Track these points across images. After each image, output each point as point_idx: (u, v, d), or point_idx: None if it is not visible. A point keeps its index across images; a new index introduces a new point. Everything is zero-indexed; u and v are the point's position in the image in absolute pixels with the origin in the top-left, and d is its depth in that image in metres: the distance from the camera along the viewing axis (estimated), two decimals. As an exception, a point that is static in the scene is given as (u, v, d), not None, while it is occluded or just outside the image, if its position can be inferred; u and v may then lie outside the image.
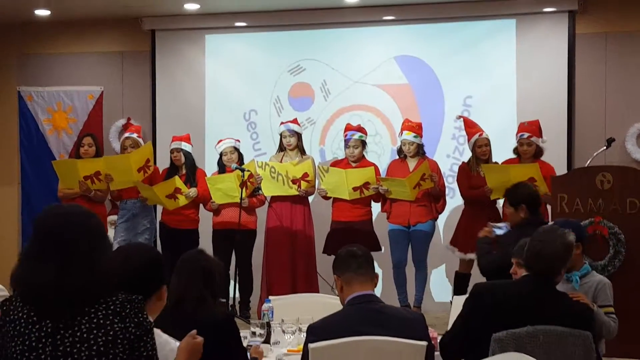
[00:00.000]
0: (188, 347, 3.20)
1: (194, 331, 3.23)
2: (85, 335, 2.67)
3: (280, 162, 8.67)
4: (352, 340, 3.79)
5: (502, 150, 8.57)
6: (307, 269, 8.62)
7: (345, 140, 8.62)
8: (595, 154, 8.02)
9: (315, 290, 8.34)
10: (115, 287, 2.76)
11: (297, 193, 8.53)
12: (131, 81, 10.57)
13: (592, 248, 6.64)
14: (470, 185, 8.34)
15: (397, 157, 8.70)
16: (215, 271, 4.22)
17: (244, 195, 8.28)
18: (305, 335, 3.98)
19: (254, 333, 4.76)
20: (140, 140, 8.84)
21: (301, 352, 4.00)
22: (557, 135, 9.04)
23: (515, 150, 8.30)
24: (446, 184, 8.90)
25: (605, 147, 8.19)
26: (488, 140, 8.42)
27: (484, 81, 9.55)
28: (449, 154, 9.61)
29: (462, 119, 8.80)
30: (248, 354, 4.29)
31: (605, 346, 4.97)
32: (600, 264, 6.67)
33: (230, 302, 8.33)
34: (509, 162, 8.33)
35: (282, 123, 8.90)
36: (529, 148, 8.16)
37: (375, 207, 8.68)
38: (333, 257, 4.21)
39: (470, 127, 8.56)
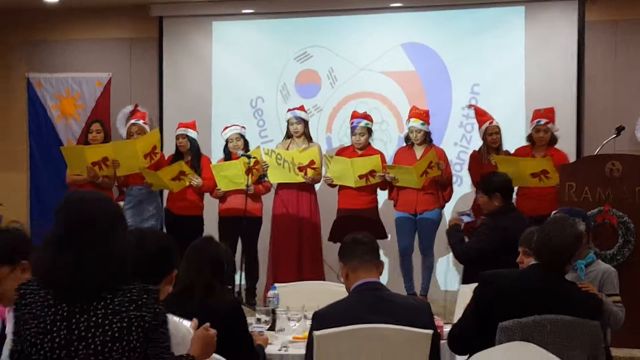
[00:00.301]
0: (203, 338, 3.20)
1: (208, 324, 3.22)
2: (100, 320, 2.68)
3: (287, 149, 8.65)
4: (358, 327, 3.79)
5: (510, 137, 8.55)
6: (313, 257, 8.61)
7: (351, 128, 8.60)
8: (604, 142, 7.98)
9: (321, 277, 8.34)
10: (131, 273, 2.79)
11: (303, 180, 8.51)
12: (139, 68, 10.56)
13: (601, 237, 6.63)
14: (482, 174, 8.30)
15: (404, 144, 8.68)
16: (224, 259, 4.24)
17: (249, 182, 8.27)
18: (310, 323, 3.98)
19: (259, 320, 4.77)
20: (147, 127, 8.83)
21: (306, 340, 4.00)
22: (567, 124, 8.98)
23: (529, 138, 8.26)
24: (453, 172, 8.89)
25: (614, 136, 8.16)
26: (499, 128, 8.39)
27: (492, 68, 9.49)
28: (456, 141, 9.57)
29: (472, 107, 8.77)
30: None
31: (610, 336, 4.95)
32: (609, 253, 6.65)
33: (236, 289, 8.33)
34: (521, 149, 8.31)
35: (289, 110, 8.90)
36: (545, 135, 8.13)
37: (382, 195, 8.66)
38: (339, 244, 4.20)
39: (481, 115, 8.54)
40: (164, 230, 8.78)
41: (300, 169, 8.50)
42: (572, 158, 8.56)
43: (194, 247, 4.28)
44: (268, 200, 8.76)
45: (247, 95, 10.15)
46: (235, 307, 4.14)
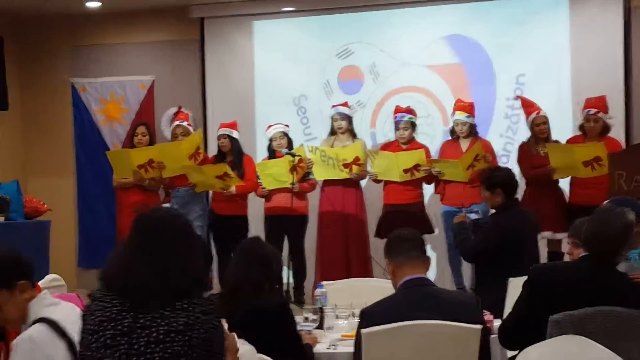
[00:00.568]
0: (230, 347, 3.23)
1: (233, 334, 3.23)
2: (162, 336, 2.72)
3: (331, 146, 8.64)
4: (405, 324, 3.76)
5: (557, 127, 8.45)
6: (360, 253, 8.59)
7: (395, 123, 8.57)
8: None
9: (369, 274, 8.30)
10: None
11: (348, 177, 8.49)
12: (181, 69, 10.60)
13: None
14: (532, 165, 8.21)
15: (450, 138, 8.62)
16: (272, 259, 4.23)
17: (294, 180, 8.26)
18: (358, 320, 3.96)
19: (306, 318, 4.75)
20: (191, 128, 8.86)
21: (354, 338, 3.97)
22: (615, 112, 8.79)
23: (582, 127, 8.15)
24: (500, 163, 8.78)
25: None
26: (546, 118, 8.28)
27: (537, 58, 9.38)
28: (502, 133, 9.47)
29: (519, 98, 8.68)
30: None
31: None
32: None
33: (284, 287, 8.32)
34: (574, 139, 8.22)
35: (332, 106, 8.88)
36: (595, 124, 8.01)
37: (428, 189, 8.61)
38: (386, 240, 4.16)
39: (528, 106, 8.45)
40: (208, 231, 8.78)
41: (345, 165, 8.48)
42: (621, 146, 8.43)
43: (241, 249, 4.29)
44: (314, 197, 8.75)
45: (290, 94, 10.15)
46: (283, 307, 4.14)
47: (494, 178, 6.23)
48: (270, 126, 8.72)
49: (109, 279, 2.82)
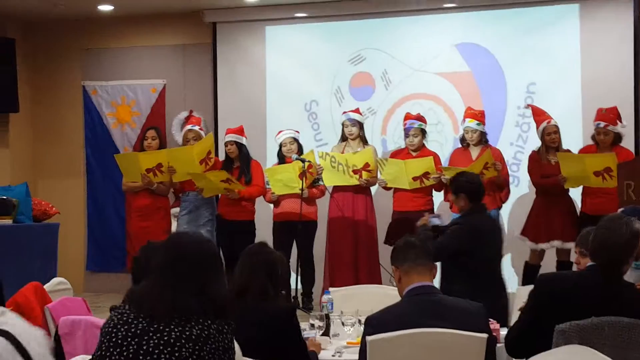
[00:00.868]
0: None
1: None
2: (180, 327, 2.79)
3: (342, 152, 8.63)
4: (411, 332, 3.74)
5: (568, 136, 8.43)
6: (370, 260, 8.58)
7: (405, 130, 8.57)
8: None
9: (378, 281, 8.26)
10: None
11: (358, 183, 8.48)
12: (193, 74, 10.62)
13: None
14: (542, 174, 8.19)
15: (460, 145, 8.60)
16: (278, 264, 4.22)
17: (303, 186, 8.25)
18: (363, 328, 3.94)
19: (312, 325, 4.73)
20: (202, 132, 8.86)
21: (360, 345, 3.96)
22: (624, 121, 8.80)
23: (594, 137, 8.13)
24: (510, 172, 8.78)
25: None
26: (557, 127, 8.27)
27: (548, 67, 9.37)
28: (512, 141, 9.45)
29: (530, 107, 8.67)
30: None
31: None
32: (670, 252, 6.48)
33: (293, 293, 8.32)
34: (586, 149, 8.21)
35: (343, 112, 8.88)
36: (605, 137, 8.00)
37: (438, 197, 8.58)
38: (395, 247, 4.16)
39: (538, 114, 8.43)
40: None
41: (355, 171, 8.47)
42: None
43: (247, 253, 4.28)
44: (323, 203, 8.74)
45: (302, 99, 10.15)
46: (288, 313, 4.12)
47: (457, 182, 6.24)
48: (280, 131, 8.73)
49: (136, 301, 2.89)
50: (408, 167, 8.22)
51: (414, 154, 8.47)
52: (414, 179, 8.22)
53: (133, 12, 10.42)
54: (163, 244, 3.02)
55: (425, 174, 8.23)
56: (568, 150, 8.28)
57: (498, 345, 4.12)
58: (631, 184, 6.71)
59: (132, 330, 2.79)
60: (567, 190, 8.18)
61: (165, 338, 2.75)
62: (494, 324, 4.31)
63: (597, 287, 3.91)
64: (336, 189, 8.66)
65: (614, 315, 3.80)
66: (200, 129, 8.87)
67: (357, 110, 8.88)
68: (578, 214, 8.23)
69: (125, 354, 2.76)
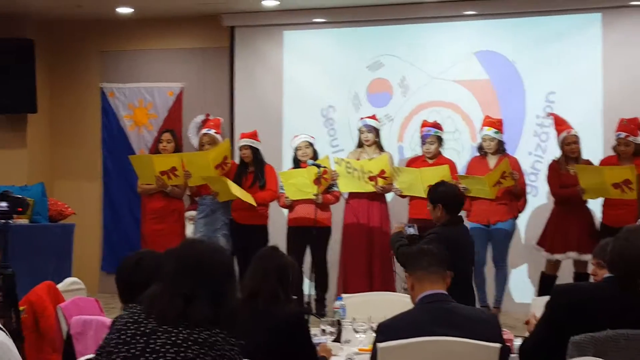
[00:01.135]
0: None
1: None
2: (188, 330, 2.81)
3: (358, 158, 8.59)
4: (422, 340, 3.70)
5: (588, 146, 8.36)
6: (384, 267, 8.53)
7: (421, 137, 8.52)
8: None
9: (392, 288, 8.23)
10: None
11: (373, 190, 8.44)
12: (210, 77, 10.62)
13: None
14: (561, 184, 8.13)
15: (477, 154, 8.54)
16: (289, 269, 4.19)
17: (318, 192, 8.21)
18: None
19: (323, 331, 4.70)
20: (218, 136, 8.82)
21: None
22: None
23: (615, 149, 8.06)
24: (528, 182, 8.72)
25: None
26: (577, 137, 8.21)
27: (568, 76, 9.31)
28: (530, 151, 9.39)
29: (552, 116, 8.61)
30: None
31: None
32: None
33: (306, 299, 8.27)
34: (607, 160, 8.14)
35: (360, 119, 8.85)
36: (626, 148, 7.94)
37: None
38: (410, 255, 4.13)
39: (559, 124, 8.38)
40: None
41: (371, 178, 8.43)
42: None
43: (259, 257, 4.25)
44: (338, 210, 8.70)
45: (319, 105, 10.13)
46: (298, 318, 4.09)
47: (435, 193, 6.18)
48: (296, 136, 8.70)
49: (147, 306, 2.91)
50: (424, 175, 8.15)
51: (430, 161, 8.42)
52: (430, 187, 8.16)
53: (152, 15, 10.43)
54: (175, 251, 3.02)
55: (441, 182, 8.17)
56: (587, 161, 8.21)
57: (512, 355, 4.08)
58: (650, 195, 6.65)
59: (142, 329, 2.83)
60: (586, 201, 8.11)
61: (173, 338, 2.79)
62: (507, 334, 4.25)
63: (614, 299, 3.86)
64: (351, 195, 8.63)
65: (631, 327, 3.74)
66: (216, 132, 8.84)
67: (373, 117, 8.84)
68: (597, 225, 8.16)
69: (132, 351, 2.81)
